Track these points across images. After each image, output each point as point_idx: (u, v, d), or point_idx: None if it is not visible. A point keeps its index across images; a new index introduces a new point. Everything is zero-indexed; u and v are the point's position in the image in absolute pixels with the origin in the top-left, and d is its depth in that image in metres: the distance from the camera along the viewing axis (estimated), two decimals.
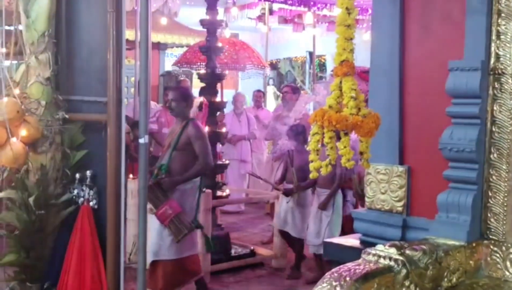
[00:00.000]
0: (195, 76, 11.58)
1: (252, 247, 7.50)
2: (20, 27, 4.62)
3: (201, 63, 9.03)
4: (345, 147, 3.28)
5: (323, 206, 6.63)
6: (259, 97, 11.41)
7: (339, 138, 3.36)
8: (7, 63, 4.61)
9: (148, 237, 5.25)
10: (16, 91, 4.49)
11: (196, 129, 5.55)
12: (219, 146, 7.86)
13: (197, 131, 5.55)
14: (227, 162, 7.75)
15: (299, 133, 7.04)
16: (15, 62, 4.79)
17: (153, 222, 5.46)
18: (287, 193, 6.94)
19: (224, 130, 7.70)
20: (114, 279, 4.54)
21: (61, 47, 4.69)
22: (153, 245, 5.37)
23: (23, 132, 4.37)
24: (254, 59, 9.86)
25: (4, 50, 4.48)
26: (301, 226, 6.94)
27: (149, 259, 5.35)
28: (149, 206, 5.26)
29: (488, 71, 3.28)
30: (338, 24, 3.35)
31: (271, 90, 16.87)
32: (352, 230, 4.17)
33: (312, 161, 3.40)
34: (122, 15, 4.53)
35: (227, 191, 7.52)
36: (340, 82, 3.34)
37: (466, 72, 3.27)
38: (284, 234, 7.09)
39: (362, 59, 4.60)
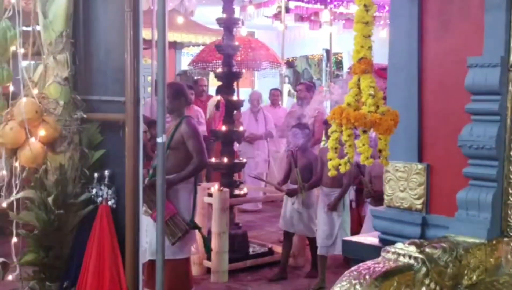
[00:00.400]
0: (211, 75, 11.61)
1: (270, 246, 7.51)
2: (38, 27, 4.64)
3: (217, 62, 9.02)
4: (363, 145, 3.26)
5: (333, 207, 6.55)
6: (276, 95, 11.41)
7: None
8: (25, 63, 4.63)
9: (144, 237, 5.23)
10: (35, 91, 4.51)
11: (189, 126, 5.47)
12: (236, 145, 7.86)
13: (190, 129, 5.46)
14: (244, 160, 7.76)
15: (303, 132, 6.95)
16: (33, 62, 4.81)
17: (149, 223, 5.43)
18: (290, 194, 6.87)
19: (241, 128, 7.70)
20: (133, 279, 4.55)
21: (79, 47, 4.71)
22: (151, 245, 5.33)
23: (42, 132, 4.39)
24: (270, 57, 9.82)
25: (22, 50, 4.50)
26: (310, 225, 6.89)
27: (147, 257, 5.32)
28: (144, 207, 5.22)
29: (508, 67, 3.25)
30: (356, 21, 3.32)
31: (286, 88, 16.85)
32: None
33: (330, 159, 3.39)
34: (139, 15, 4.54)
35: (245, 190, 7.53)
36: (358, 80, 3.32)
37: (485, 69, 3.24)
38: (288, 235, 7.04)
39: (379, 56, 4.57)
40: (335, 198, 6.55)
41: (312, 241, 6.93)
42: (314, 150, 7.94)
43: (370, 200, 6.52)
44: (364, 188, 6.54)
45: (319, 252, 6.68)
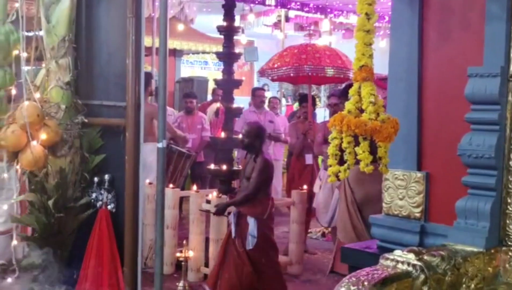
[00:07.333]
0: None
1: None
2: (41, 32, 4.67)
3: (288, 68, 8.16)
4: (363, 152, 3.29)
5: None
6: (275, 103, 11.39)
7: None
8: (27, 67, 4.65)
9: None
10: (37, 95, 4.53)
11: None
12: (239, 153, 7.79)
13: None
14: (240, 167, 7.75)
15: None
16: (34, 67, 4.83)
17: None
18: None
19: (240, 136, 7.70)
20: (132, 283, 4.56)
21: (81, 52, 4.74)
22: None
23: (43, 135, 4.41)
24: (335, 63, 8.33)
25: (25, 54, 4.53)
26: None
27: None
28: None
29: (507, 77, 3.26)
30: (357, 29, 3.35)
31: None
32: None
33: (330, 166, 3.40)
34: (141, 21, 4.57)
35: None
36: (359, 87, 3.35)
37: (485, 78, 3.25)
38: None
39: (378, 66, 4.59)
40: None
41: None
42: None
43: None
44: None
45: None
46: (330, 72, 8.14)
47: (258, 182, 5.42)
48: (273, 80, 8.94)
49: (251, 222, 5.43)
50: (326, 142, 6.83)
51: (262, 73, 8.58)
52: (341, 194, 6.14)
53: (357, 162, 3.42)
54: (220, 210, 5.77)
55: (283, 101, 16.99)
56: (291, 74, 8.24)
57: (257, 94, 9.91)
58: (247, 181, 5.51)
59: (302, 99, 8.69)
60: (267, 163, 5.50)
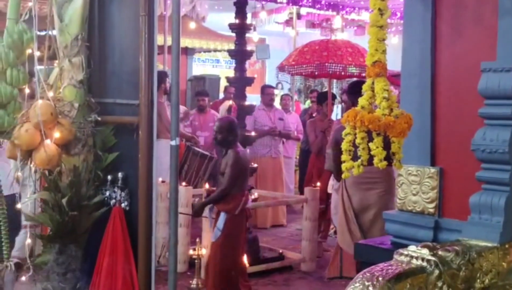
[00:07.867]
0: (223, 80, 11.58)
1: (280, 251, 7.50)
2: (54, 31, 4.69)
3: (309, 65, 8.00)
4: (377, 147, 3.29)
5: None
6: (287, 100, 11.39)
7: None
8: (41, 66, 4.67)
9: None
10: (50, 94, 4.55)
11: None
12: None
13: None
14: (255, 165, 7.77)
15: None
16: (46, 67, 4.85)
17: None
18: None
19: (253, 133, 7.72)
20: (145, 281, 4.58)
21: (94, 50, 4.75)
22: None
23: (57, 134, 4.42)
24: (362, 60, 7.58)
25: (38, 53, 4.54)
26: None
27: None
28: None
29: None
30: (370, 25, 3.36)
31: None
32: None
33: (344, 162, 3.41)
34: (154, 19, 4.58)
35: (255, 195, 7.54)
36: (372, 83, 3.35)
37: (498, 73, 3.24)
38: None
39: (391, 62, 4.59)
40: None
41: None
42: None
43: None
44: None
45: None
46: (352, 70, 7.94)
47: (232, 176, 5.45)
48: (292, 74, 8.89)
49: (221, 215, 5.54)
50: None
51: (281, 69, 8.41)
52: (339, 198, 6.15)
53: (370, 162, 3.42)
54: (198, 211, 5.79)
55: (295, 97, 17.01)
56: (312, 72, 8.18)
57: (266, 92, 9.85)
58: (223, 177, 5.53)
59: (322, 97, 8.66)
60: (238, 155, 5.52)
